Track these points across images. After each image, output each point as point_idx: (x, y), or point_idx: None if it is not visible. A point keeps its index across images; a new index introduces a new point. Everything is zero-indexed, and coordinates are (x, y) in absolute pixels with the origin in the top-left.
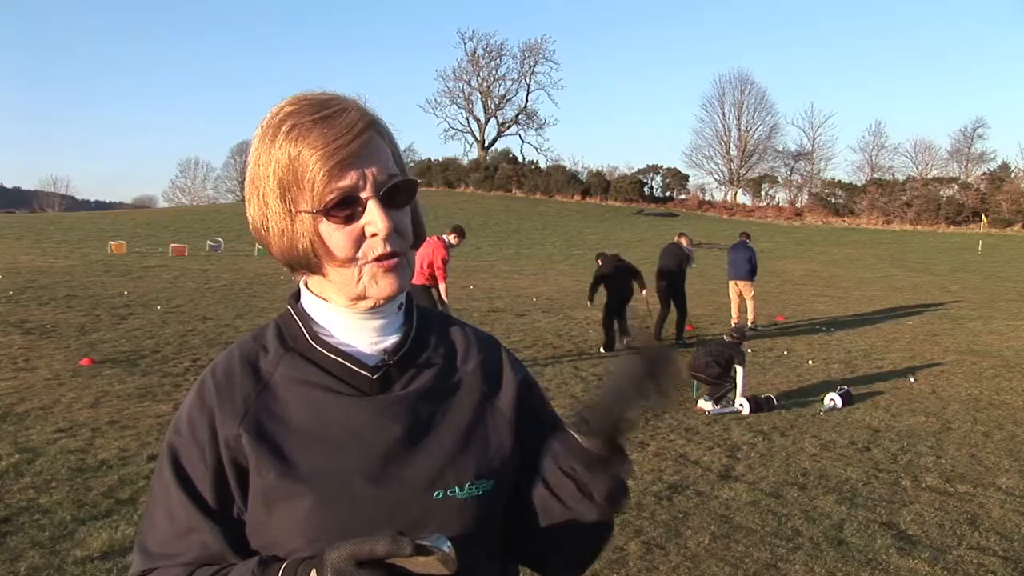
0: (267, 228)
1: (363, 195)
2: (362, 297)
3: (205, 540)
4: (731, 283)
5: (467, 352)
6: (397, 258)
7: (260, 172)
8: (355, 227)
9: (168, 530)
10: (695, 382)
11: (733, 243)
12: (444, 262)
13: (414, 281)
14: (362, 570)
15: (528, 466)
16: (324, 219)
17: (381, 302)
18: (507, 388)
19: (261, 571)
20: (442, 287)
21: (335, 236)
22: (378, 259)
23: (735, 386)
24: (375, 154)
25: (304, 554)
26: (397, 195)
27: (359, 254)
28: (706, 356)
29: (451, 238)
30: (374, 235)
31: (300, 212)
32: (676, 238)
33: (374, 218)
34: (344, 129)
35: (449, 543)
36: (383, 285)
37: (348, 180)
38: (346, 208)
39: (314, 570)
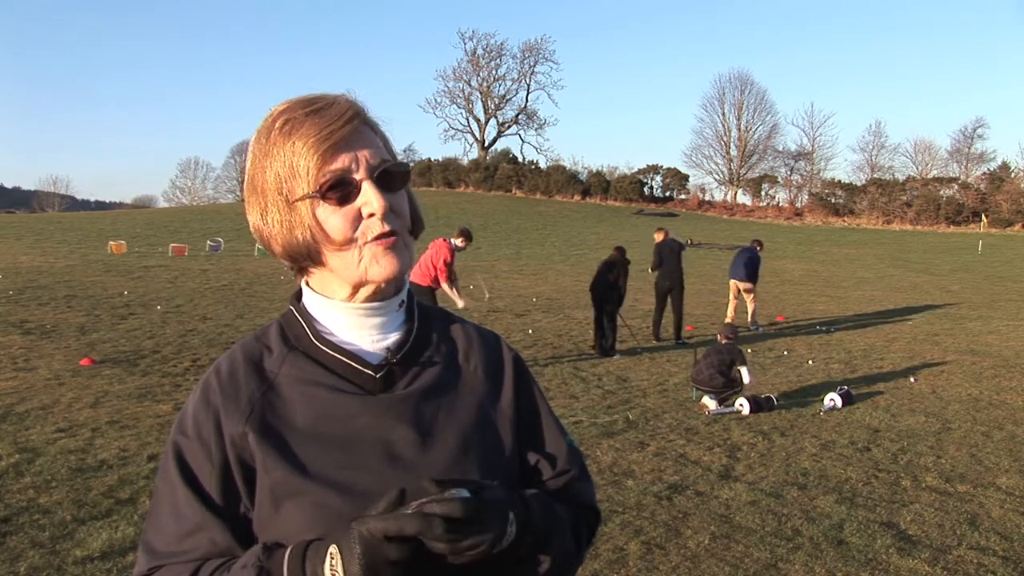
0: (267, 222)
1: (357, 177)
2: (364, 281)
3: (214, 537)
4: (730, 282)
5: (469, 350)
6: (395, 237)
7: (258, 170)
8: (351, 208)
9: (175, 529)
10: (693, 385)
11: (743, 246)
12: (447, 264)
13: (419, 282)
14: (391, 545)
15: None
16: (321, 202)
17: (383, 284)
18: (508, 387)
19: (266, 557)
20: (445, 287)
21: (332, 219)
22: (377, 238)
23: (741, 388)
24: (366, 140)
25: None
26: (391, 178)
27: (357, 234)
28: (708, 368)
29: (458, 241)
30: (371, 215)
31: (297, 200)
32: (661, 233)
33: (370, 198)
34: (334, 117)
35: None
36: (384, 264)
37: (341, 163)
38: (340, 189)
39: (334, 544)
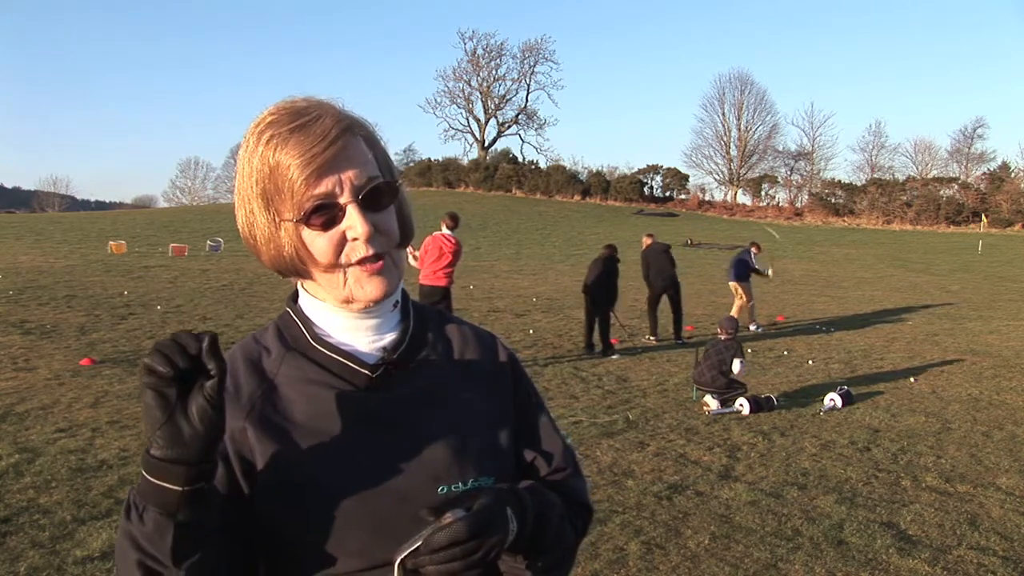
0: (255, 237)
1: (341, 200)
2: (350, 300)
3: None
4: (729, 284)
5: (464, 349)
6: (381, 260)
7: (244, 183)
8: (335, 232)
9: None
10: (694, 385)
11: (743, 248)
12: (455, 254)
13: (433, 283)
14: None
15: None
16: (305, 226)
17: (370, 304)
18: (504, 385)
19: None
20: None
21: (317, 242)
22: (361, 262)
23: (743, 389)
24: (353, 159)
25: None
26: (378, 195)
27: (342, 258)
28: (710, 370)
29: (447, 226)
30: (355, 239)
31: (283, 221)
32: (647, 238)
33: (353, 223)
34: (319, 137)
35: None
36: (368, 289)
37: (325, 187)
38: (325, 214)
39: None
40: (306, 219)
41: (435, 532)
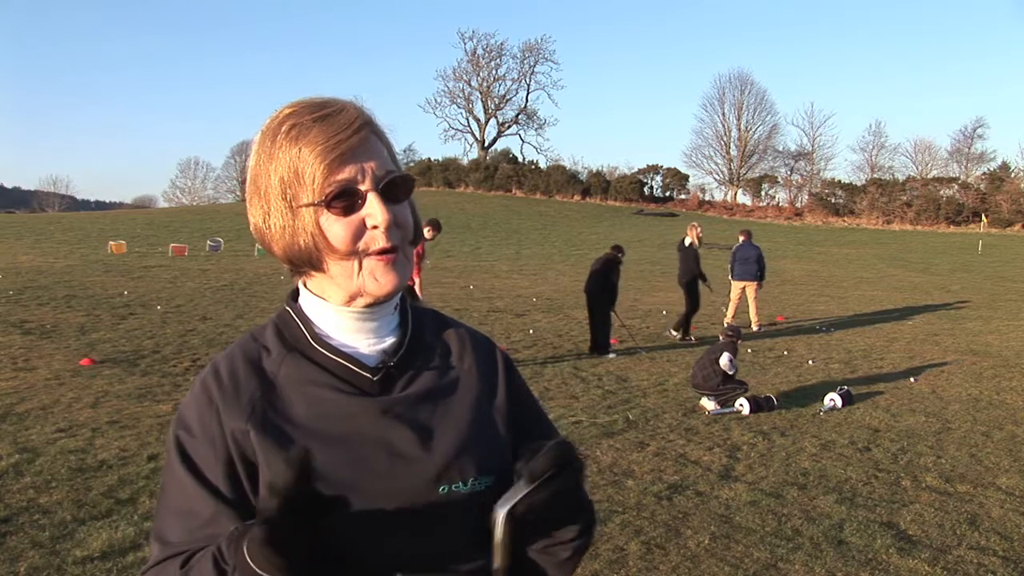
0: (269, 226)
1: (362, 188)
2: (360, 293)
3: (226, 528)
4: (735, 283)
5: (462, 351)
6: (395, 253)
7: (261, 171)
8: (355, 218)
9: (187, 522)
10: (694, 390)
11: (737, 244)
12: (420, 256)
13: None
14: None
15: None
16: (325, 211)
17: (381, 298)
18: (501, 387)
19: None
20: (416, 281)
21: (335, 228)
22: (378, 253)
23: (742, 388)
24: (373, 150)
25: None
26: (395, 189)
27: (359, 246)
28: (701, 371)
29: (426, 231)
30: (374, 227)
31: (301, 207)
32: (693, 228)
33: (374, 210)
34: (343, 126)
35: None
36: (382, 282)
37: (347, 173)
38: (345, 200)
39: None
40: (327, 202)
41: (538, 459)
